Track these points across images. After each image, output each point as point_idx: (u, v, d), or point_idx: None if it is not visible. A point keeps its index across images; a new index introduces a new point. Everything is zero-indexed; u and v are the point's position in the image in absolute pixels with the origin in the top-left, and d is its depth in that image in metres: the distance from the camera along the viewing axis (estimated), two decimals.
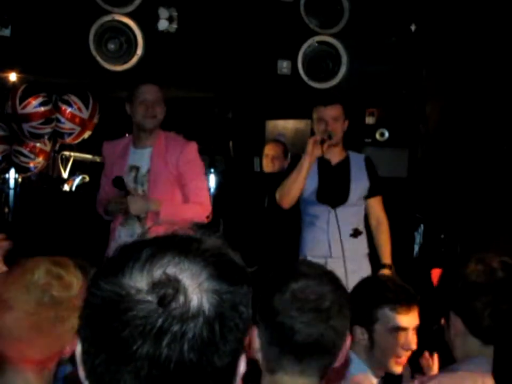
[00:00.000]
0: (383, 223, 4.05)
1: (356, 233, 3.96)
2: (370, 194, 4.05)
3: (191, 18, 4.83)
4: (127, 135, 4.02)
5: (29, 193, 6.50)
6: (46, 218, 5.92)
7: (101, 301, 0.89)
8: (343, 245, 3.83)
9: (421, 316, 2.37)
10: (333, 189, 3.95)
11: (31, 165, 6.61)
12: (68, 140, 6.66)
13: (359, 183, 4.01)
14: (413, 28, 4.90)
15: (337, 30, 4.86)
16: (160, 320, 0.85)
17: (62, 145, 6.92)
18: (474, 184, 4.94)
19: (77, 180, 6.88)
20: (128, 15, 4.62)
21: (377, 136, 5.23)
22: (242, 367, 0.95)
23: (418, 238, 5.07)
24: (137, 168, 3.74)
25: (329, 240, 3.90)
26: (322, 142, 3.86)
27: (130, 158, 3.76)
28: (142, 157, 3.74)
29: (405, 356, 2.36)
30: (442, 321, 2.02)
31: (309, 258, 3.78)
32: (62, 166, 7.02)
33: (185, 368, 0.86)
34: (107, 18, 4.59)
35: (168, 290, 0.86)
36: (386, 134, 5.35)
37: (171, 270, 0.88)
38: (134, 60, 4.64)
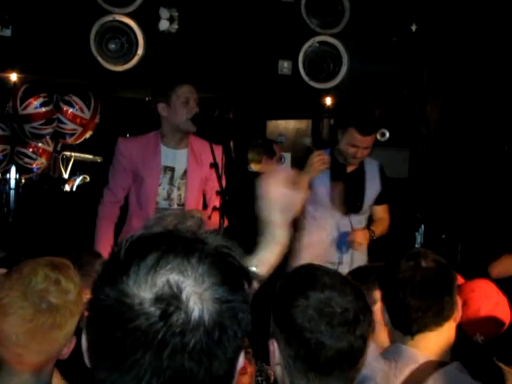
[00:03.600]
0: (385, 220, 4.05)
1: None
2: (378, 201, 4.04)
3: (192, 18, 4.82)
4: (127, 135, 4.01)
5: (29, 193, 6.51)
6: (47, 219, 5.93)
7: (105, 308, 0.91)
8: (352, 252, 3.85)
9: None
10: (346, 196, 3.90)
11: (34, 165, 6.60)
12: (70, 140, 6.66)
13: (373, 193, 4.00)
14: (413, 28, 4.90)
15: (338, 30, 4.85)
16: (161, 333, 0.87)
17: (63, 145, 6.92)
18: (475, 184, 4.94)
19: (78, 180, 6.89)
20: (129, 15, 4.61)
21: (378, 136, 5.21)
22: (240, 361, 0.97)
23: (419, 238, 5.06)
24: (172, 169, 3.65)
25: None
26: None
27: (164, 159, 3.64)
28: (176, 158, 3.65)
29: None
30: None
31: (318, 263, 3.76)
32: (63, 166, 7.02)
33: (184, 376, 0.89)
34: (108, 18, 4.58)
35: (170, 307, 0.88)
36: (387, 134, 5.35)
37: (174, 279, 0.90)
38: (135, 60, 4.64)
